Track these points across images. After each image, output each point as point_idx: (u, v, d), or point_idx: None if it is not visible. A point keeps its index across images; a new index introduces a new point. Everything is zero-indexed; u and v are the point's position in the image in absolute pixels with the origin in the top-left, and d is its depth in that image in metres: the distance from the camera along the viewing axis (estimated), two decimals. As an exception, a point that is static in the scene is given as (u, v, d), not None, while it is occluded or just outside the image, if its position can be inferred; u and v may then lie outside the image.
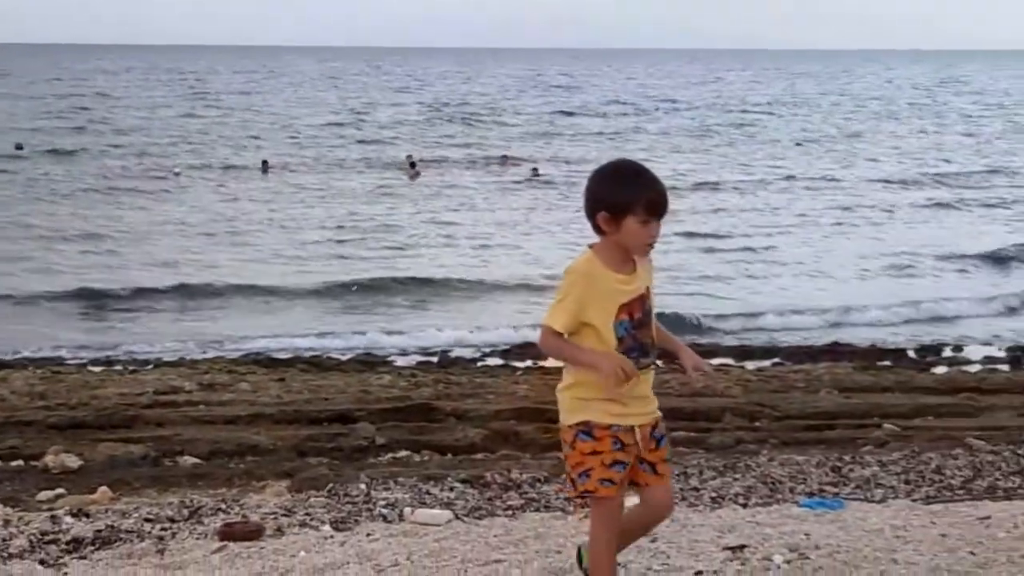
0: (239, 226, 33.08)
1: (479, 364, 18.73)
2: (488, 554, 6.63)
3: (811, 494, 8.14)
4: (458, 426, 12.54)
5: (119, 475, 10.03)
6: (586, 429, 5.15)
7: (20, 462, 10.91)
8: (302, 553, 6.79)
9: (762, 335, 21.59)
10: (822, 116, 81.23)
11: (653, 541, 6.71)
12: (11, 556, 6.92)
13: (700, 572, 6.24)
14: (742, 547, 6.61)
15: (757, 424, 12.81)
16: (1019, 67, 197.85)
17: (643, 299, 5.12)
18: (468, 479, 8.51)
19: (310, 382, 15.73)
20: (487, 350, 19.97)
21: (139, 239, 30.85)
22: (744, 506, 7.83)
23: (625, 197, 5.01)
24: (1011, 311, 23.76)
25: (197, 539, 7.18)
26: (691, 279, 25.98)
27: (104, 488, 9.12)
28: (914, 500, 7.98)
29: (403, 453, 11.29)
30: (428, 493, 8.13)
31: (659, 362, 5.27)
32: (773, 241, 31.93)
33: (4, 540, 7.20)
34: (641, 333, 5.11)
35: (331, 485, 8.38)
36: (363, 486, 8.33)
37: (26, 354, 19.11)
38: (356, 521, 7.48)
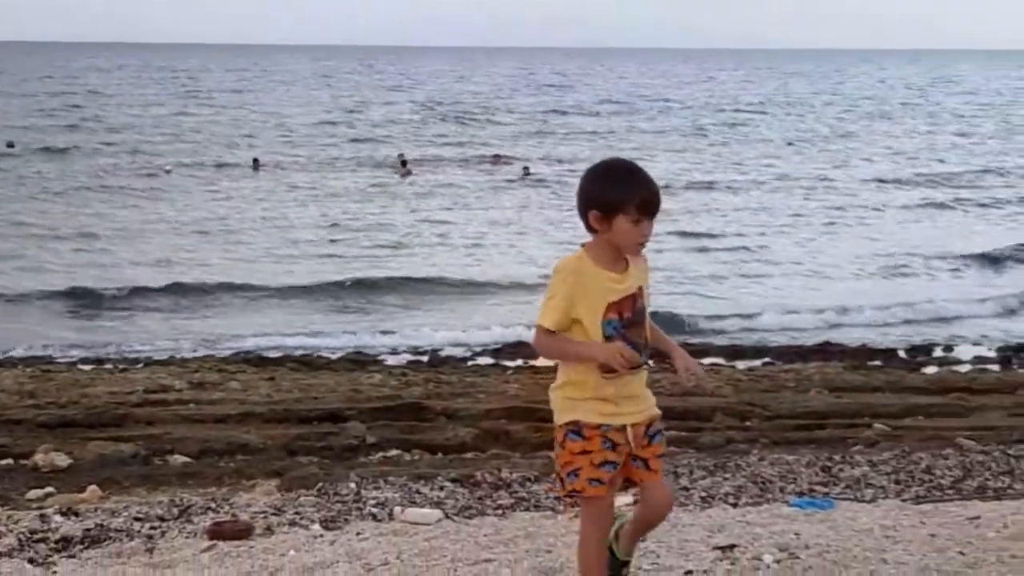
0: (230, 225, 33.05)
1: (469, 363, 18.73)
2: (478, 553, 6.63)
3: (801, 494, 8.14)
4: (448, 425, 12.54)
5: (109, 474, 10.01)
6: (576, 429, 5.14)
7: (9, 461, 10.90)
8: (292, 552, 6.79)
9: (754, 335, 21.59)
10: (815, 116, 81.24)
11: (643, 540, 6.70)
12: (0, 555, 6.91)
13: (690, 572, 6.24)
14: (732, 547, 6.61)
15: (748, 424, 12.82)
16: (1012, 67, 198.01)
17: (634, 298, 5.10)
18: (458, 478, 8.51)
19: (300, 381, 15.71)
20: (478, 349, 19.96)
21: (130, 237, 30.82)
22: (734, 506, 7.83)
23: (617, 196, 5.00)
24: (1003, 311, 23.77)
25: (186, 538, 7.18)
26: (684, 279, 25.98)
27: (94, 487, 9.10)
28: (904, 500, 7.99)
29: (393, 452, 11.29)
30: (418, 492, 8.13)
31: (650, 362, 5.26)
32: (766, 241, 31.92)
33: (-7, 539, 7.19)
34: (632, 332, 5.10)
35: (321, 484, 8.37)
36: (353, 485, 8.32)
37: (16, 352, 19.09)
38: (346, 520, 7.47)
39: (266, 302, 24.05)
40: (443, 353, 19.72)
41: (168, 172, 44.30)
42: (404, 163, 46.59)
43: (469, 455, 11.02)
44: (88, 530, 7.35)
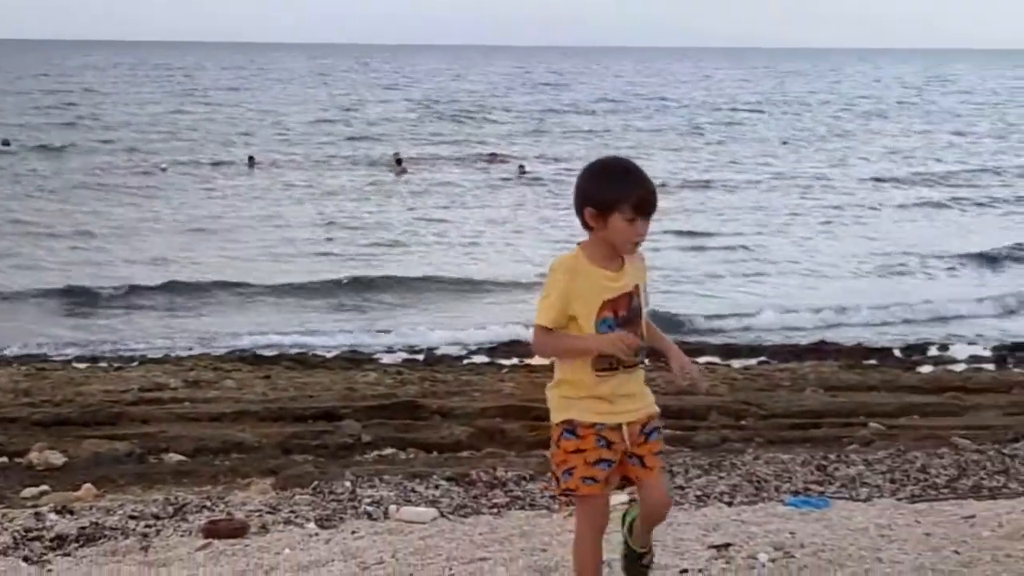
0: (225, 223, 33.03)
1: (465, 362, 18.73)
2: (473, 552, 6.63)
3: (796, 493, 8.14)
4: (444, 424, 12.53)
5: (104, 472, 10.00)
6: (570, 427, 5.14)
7: (4, 459, 10.88)
8: (287, 551, 6.78)
9: (749, 334, 21.59)
10: (811, 115, 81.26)
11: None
12: (-6, 553, 6.91)
13: (685, 571, 6.24)
14: (727, 545, 6.61)
15: (743, 422, 12.82)
16: (1007, 66, 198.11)
17: (630, 297, 5.10)
18: (453, 477, 8.50)
19: (295, 379, 15.70)
20: (473, 348, 19.96)
21: (125, 235, 30.79)
22: (729, 504, 7.83)
23: (612, 194, 5.00)
24: (1000, 311, 23.78)
25: (181, 536, 7.18)
26: (680, 277, 25.97)
27: (88, 485, 9.10)
28: (899, 499, 7.99)
29: (388, 451, 11.28)
30: (413, 491, 8.12)
31: (646, 360, 5.25)
32: (762, 240, 31.92)
33: (-12, 537, 7.19)
34: (627, 331, 5.10)
35: (316, 483, 8.37)
36: (348, 484, 8.32)
37: (11, 351, 19.07)
38: (341, 519, 7.47)
39: (261, 300, 24.03)
40: (438, 352, 19.72)
41: (164, 170, 44.28)
42: (399, 161, 46.57)
43: (464, 454, 11.02)
44: (83, 528, 7.35)
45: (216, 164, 46.64)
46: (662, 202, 5.17)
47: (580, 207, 5.09)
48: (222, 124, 64.44)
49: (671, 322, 20.82)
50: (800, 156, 54.65)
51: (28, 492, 9.17)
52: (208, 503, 7.94)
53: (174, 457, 11.00)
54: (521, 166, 46.84)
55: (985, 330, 22.00)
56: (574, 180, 5.17)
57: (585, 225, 5.08)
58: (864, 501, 7.91)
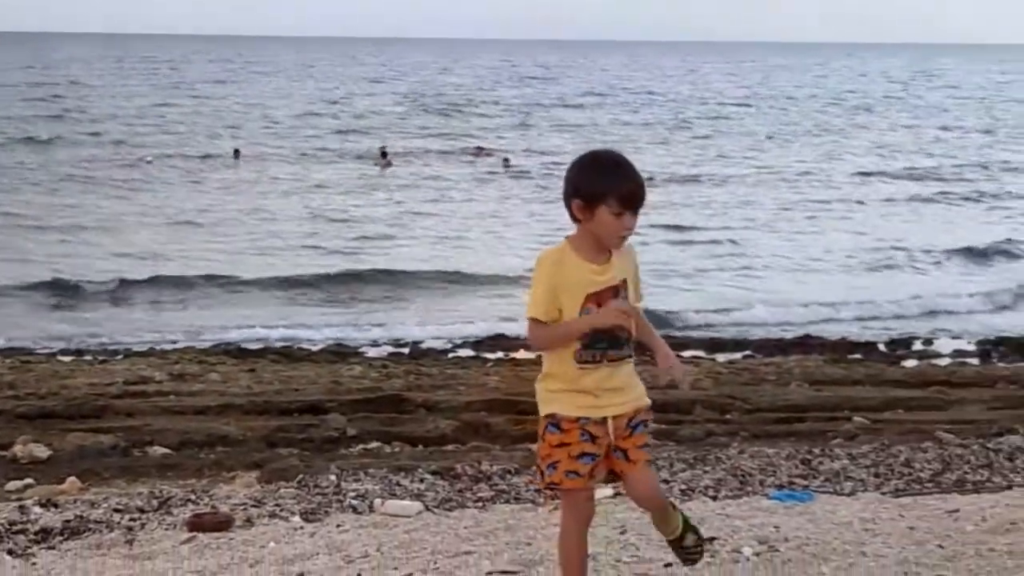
0: (211, 216, 32.97)
1: (450, 356, 18.71)
2: (458, 545, 6.64)
3: (781, 487, 8.15)
4: (429, 417, 12.52)
5: (88, 465, 9.99)
6: (554, 421, 5.14)
7: (-11, 452, 10.86)
8: (271, 544, 6.79)
9: (734, 328, 21.61)
10: (798, 109, 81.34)
11: (623, 533, 6.74)
12: (-21, 546, 6.91)
13: (670, 564, 6.24)
14: (712, 539, 6.61)
15: (728, 417, 12.83)
16: (991, 61, 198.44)
17: (616, 290, 5.09)
18: (438, 470, 8.51)
19: (280, 373, 15.70)
20: (458, 341, 19.95)
21: (109, 229, 30.71)
22: (714, 498, 7.85)
23: (600, 187, 5.00)
24: (986, 305, 23.83)
25: (166, 530, 7.18)
26: (668, 271, 25.98)
27: (73, 478, 9.09)
28: (883, 493, 8.00)
29: (374, 444, 11.28)
30: (398, 484, 8.12)
31: (632, 355, 5.26)
32: (748, 234, 31.92)
33: (-28, 530, 7.17)
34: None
35: (301, 476, 8.37)
36: (333, 477, 8.32)
37: (-4, 343, 19.04)
38: (326, 512, 7.48)
39: (246, 293, 24.00)
40: (424, 345, 19.72)
41: (149, 163, 44.20)
42: (384, 154, 46.52)
43: (449, 447, 11.02)
44: (68, 521, 7.35)
45: (202, 157, 46.54)
46: (649, 196, 5.16)
47: (568, 199, 5.09)
48: (209, 117, 64.33)
49: (656, 316, 20.78)
50: (787, 150, 54.69)
51: (12, 485, 9.16)
52: (193, 496, 7.94)
53: (159, 450, 10.99)
54: (506, 159, 46.85)
55: (972, 325, 22.04)
56: (560, 173, 5.18)
57: (573, 217, 5.08)
58: (848, 495, 7.93)
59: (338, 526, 7.11)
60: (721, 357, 18.44)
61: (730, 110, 79.72)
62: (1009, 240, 30.73)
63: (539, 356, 5.27)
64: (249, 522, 7.26)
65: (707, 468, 8.67)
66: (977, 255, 29.30)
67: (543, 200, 35.93)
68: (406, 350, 19.27)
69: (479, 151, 50.38)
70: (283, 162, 46.13)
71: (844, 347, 19.45)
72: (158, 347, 18.90)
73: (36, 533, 7.15)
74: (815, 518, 7.16)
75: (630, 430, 5.20)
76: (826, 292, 24.43)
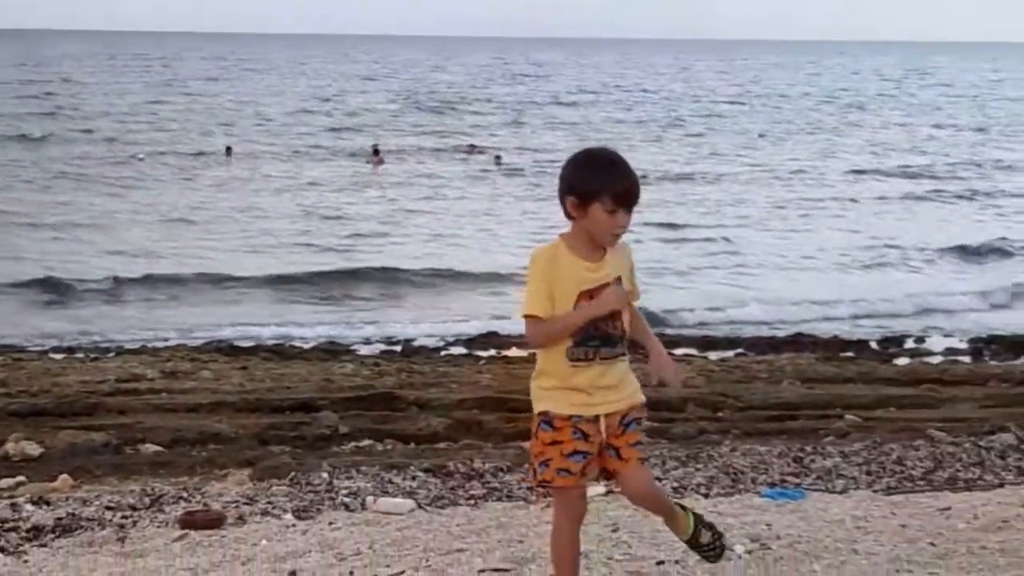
0: (203, 214, 32.91)
1: (442, 353, 18.68)
2: (450, 543, 6.64)
3: (773, 484, 8.16)
4: (421, 415, 12.51)
5: (80, 463, 9.98)
6: (547, 419, 5.15)
7: (-20, 449, 10.84)
8: (264, 542, 6.79)
9: (727, 326, 21.61)
10: (791, 107, 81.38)
11: (615, 531, 6.74)
12: (-30, 544, 6.90)
13: (662, 562, 6.26)
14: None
15: (720, 414, 12.83)
16: (984, 59, 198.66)
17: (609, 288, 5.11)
18: (430, 468, 8.51)
19: (273, 370, 15.67)
20: (451, 339, 19.92)
21: (102, 226, 30.66)
22: (706, 496, 7.86)
23: (594, 185, 5.01)
24: (980, 303, 23.83)
25: (158, 527, 7.17)
26: (662, 269, 25.97)
27: (65, 476, 9.08)
28: (875, 491, 8.02)
29: (366, 442, 11.26)
30: (390, 482, 8.13)
31: (627, 352, 5.26)
32: (741, 232, 31.90)
33: (-37, 528, 7.17)
34: (604, 322, 5.10)
35: (293, 474, 8.37)
36: (325, 475, 8.32)
37: (-12, 341, 19.00)
38: (318, 510, 7.48)
39: (239, 291, 23.95)
40: (416, 343, 19.69)
41: (141, 160, 44.15)
42: (376, 152, 46.47)
43: (441, 445, 11.01)
44: (59, 519, 7.35)
45: (196, 155, 46.48)
46: (643, 194, 5.17)
47: (563, 196, 5.10)
48: (201, 114, 64.26)
49: (649, 315, 20.74)
50: (780, 148, 54.69)
51: (4, 483, 9.14)
52: (185, 494, 7.94)
53: (151, 448, 10.97)
54: (497, 156, 46.85)
55: (965, 323, 22.03)
56: (553, 171, 5.19)
57: (568, 215, 5.10)
58: (840, 493, 7.94)
59: (330, 524, 7.11)
60: (713, 355, 18.42)
61: (723, 108, 79.73)
62: (1003, 239, 30.74)
63: (532, 354, 5.27)
64: (241, 520, 7.26)
65: (699, 466, 8.68)
66: (971, 253, 29.32)
67: (536, 198, 35.91)
68: (398, 348, 19.25)
69: (472, 149, 50.35)
70: (276, 160, 46.07)
71: (836, 345, 19.45)
72: (150, 345, 18.86)
73: (28, 531, 7.14)
74: (807, 516, 7.17)
75: (623, 428, 5.21)
76: (820, 290, 24.42)
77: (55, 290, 23.34)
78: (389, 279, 25.13)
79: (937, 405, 13.41)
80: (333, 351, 18.44)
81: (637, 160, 5.34)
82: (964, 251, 29.45)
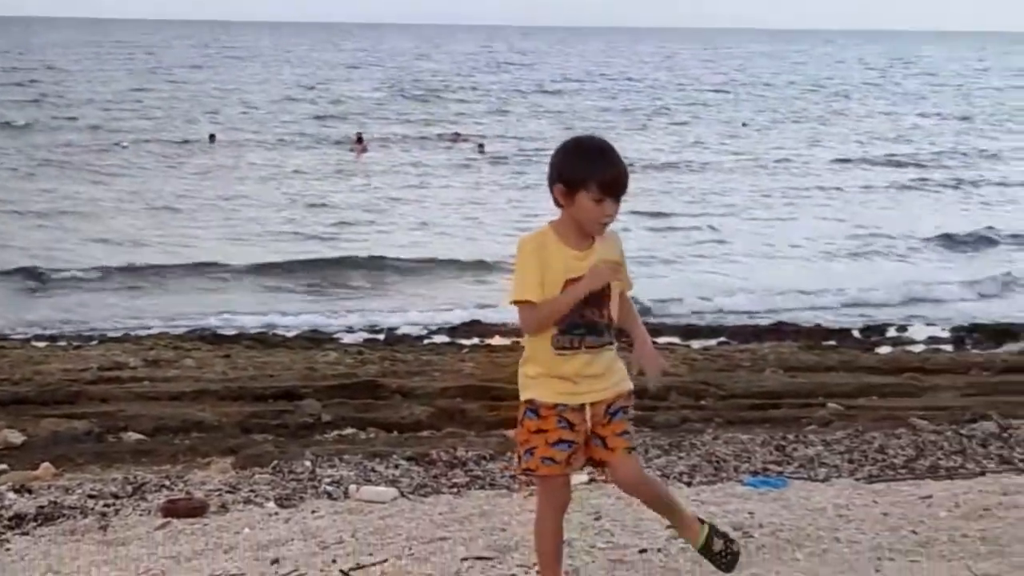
0: (187, 202, 32.86)
1: (425, 342, 18.69)
2: (433, 531, 6.64)
3: (755, 473, 8.17)
4: (404, 404, 12.51)
5: (62, 451, 9.96)
6: (532, 407, 5.16)
7: (-38, 438, 10.81)
8: (246, 530, 6.78)
9: (710, 316, 21.62)
10: (776, 96, 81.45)
11: (597, 519, 6.74)
12: (-48, 532, 6.88)
13: (644, 550, 6.26)
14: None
15: (702, 403, 12.84)
16: (970, 48, 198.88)
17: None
18: (413, 456, 8.50)
19: (255, 359, 15.66)
20: (434, 328, 19.92)
21: (86, 214, 30.60)
22: (689, 484, 7.86)
23: (581, 173, 5.01)
24: (967, 293, 23.86)
25: (140, 515, 7.16)
26: (648, 257, 25.97)
27: (47, 464, 9.05)
28: (857, 479, 8.02)
29: (348, 430, 11.25)
30: (373, 470, 8.12)
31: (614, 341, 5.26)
32: (726, 221, 31.93)
33: (-56, 516, 7.15)
34: (590, 311, 5.10)
35: (276, 462, 8.36)
36: (308, 463, 8.31)
37: (-32, 329, 18.95)
38: (301, 498, 7.47)
39: (222, 279, 23.93)
40: (399, 331, 19.70)
41: (124, 148, 44.04)
42: (360, 139, 46.42)
43: (424, 433, 11.00)
44: (41, 507, 7.33)
45: (178, 142, 46.38)
46: (630, 183, 5.16)
47: (552, 184, 5.10)
48: (186, 102, 64.14)
49: (635, 304, 20.72)
50: (766, 137, 54.74)
51: (-14, 471, 9.13)
52: (167, 482, 7.92)
53: (133, 436, 10.95)
54: (480, 144, 46.84)
55: (950, 312, 22.07)
56: (539, 160, 5.19)
57: (557, 203, 5.09)
58: (822, 481, 7.95)
59: (313, 512, 7.11)
60: (696, 343, 18.47)
61: (708, 96, 79.76)
62: (990, 227, 30.79)
63: (516, 342, 5.27)
64: (224, 508, 7.25)
65: (682, 454, 8.68)
66: (957, 242, 29.37)
67: (520, 186, 35.92)
68: (381, 336, 19.25)
69: (456, 137, 50.33)
70: (260, 147, 46.00)
71: (819, 334, 19.49)
72: (133, 333, 18.84)
73: (10, 519, 7.13)
74: (789, 504, 7.18)
75: (608, 417, 5.21)
76: (806, 279, 24.45)
77: (38, 278, 23.30)
78: (373, 267, 25.13)
79: (919, 394, 13.44)
80: (316, 339, 18.44)
81: (623, 149, 5.33)
82: (950, 240, 29.52)
